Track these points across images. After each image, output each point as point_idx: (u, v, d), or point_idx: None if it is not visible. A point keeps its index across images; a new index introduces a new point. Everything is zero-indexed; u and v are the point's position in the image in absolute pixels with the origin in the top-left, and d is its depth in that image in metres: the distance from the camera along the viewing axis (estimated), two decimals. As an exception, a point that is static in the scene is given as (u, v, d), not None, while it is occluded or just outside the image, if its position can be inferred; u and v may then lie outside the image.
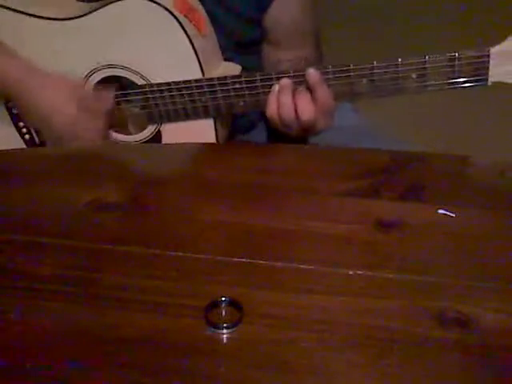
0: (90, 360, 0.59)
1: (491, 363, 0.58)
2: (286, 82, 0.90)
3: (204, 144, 0.97)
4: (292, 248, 0.73)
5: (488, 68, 0.87)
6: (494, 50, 0.87)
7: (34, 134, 1.02)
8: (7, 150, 0.96)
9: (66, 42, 0.96)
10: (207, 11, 0.99)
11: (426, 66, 0.88)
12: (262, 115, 1.13)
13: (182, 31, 0.92)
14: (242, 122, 1.12)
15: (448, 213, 0.77)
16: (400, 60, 0.88)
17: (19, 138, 1.02)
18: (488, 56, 0.86)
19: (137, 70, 0.95)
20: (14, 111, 1.01)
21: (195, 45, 0.93)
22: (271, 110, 0.92)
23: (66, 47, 0.97)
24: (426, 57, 0.88)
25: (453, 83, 0.89)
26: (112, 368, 0.58)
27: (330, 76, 0.90)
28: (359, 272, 0.68)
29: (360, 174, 0.86)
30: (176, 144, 0.97)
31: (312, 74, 0.89)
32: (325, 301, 0.65)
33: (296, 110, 0.90)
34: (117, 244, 0.73)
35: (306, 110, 0.89)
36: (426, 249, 0.73)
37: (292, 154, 0.95)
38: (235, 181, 0.86)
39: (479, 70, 0.87)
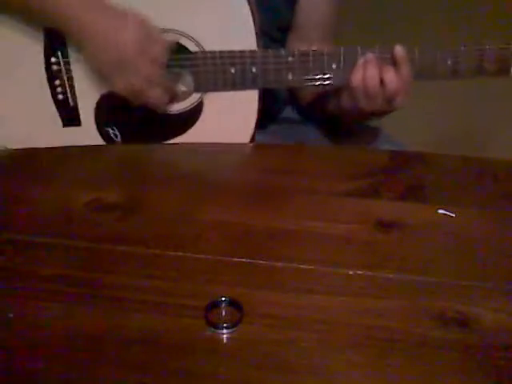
0: (91, 360, 0.59)
1: (491, 363, 0.58)
2: (371, 55, 0.95)
3: (204, 144, 0.97)
4: (292, 248, 0.73)
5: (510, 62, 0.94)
6: None
7: (69, 94, 1.00)
8: (7, 150, 0.96)
9: (125, 3, 0.96)
10: None
11: (460, 54, 0.95)
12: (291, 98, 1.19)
13: (245, 2, 0.94)
14: (275, 101, 1.15)
15: (448, 213, 0.77)
16: (378, 47, 0.95)
17: (50, 97, 1.00)
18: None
19: (193, 36, 0.96)
20: (54, 67, 0.99)
21: (255, 18, 0.95)
22: (356, 80, 0.95)
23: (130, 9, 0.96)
24: (462, 46, 0.94)
25: (479, 72, 0.95)
26: (112, 368, 0.58)
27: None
28: (359, 272, 0.68)
29: (360, 174, 0.86)
30: (176, 144, 0.97)
31: (399, 50, 0.94)
32: (325, 301, 0.65)
33: (382, 81, 0.94)
34: (117, 244, 0.73)
35: (393, 81, 0.93)
36: (426, 249, 0.73)
37: (292, 154, 0.95)
38: (235, 181, 0.86)
39: (503, 61, 0.94)
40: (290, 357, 0.59)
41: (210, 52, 0.96)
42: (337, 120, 1.10)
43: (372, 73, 0.94)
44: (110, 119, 1.00)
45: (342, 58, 0.96)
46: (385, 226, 0.75)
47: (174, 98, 0.99)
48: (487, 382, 0.57)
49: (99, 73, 0.97)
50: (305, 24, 1.12)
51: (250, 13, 0.95)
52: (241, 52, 0.95)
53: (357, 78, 0.95)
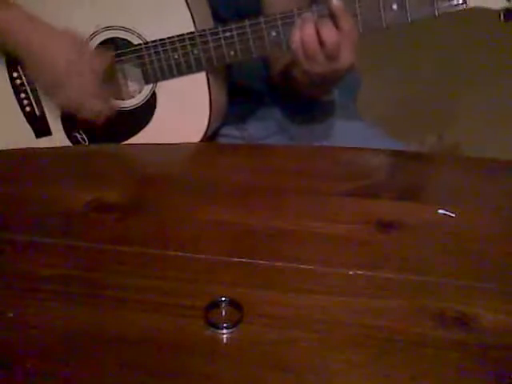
0: (91, 360, 0.59)
1: (491, 363, 0.58)
2: (307, 14, 0.91)
3: (204, 144, 0.97)
4: (292, 248, 0.73)
5: None
6: None
7: (35, 106, 1.02)
8: (7, 150, 0.96)
9: (67, 7, 0.98)
10: None
11: None
12: (268, 84, 1.16)
13: None
14: (259, 82, 1.14)
15: (448, 213, 0.77)
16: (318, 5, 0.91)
17: (20, 110, 1.02)
18: None
19: (134, 30, 0.97)
20: (17, 82, 1.01)
21: (191, 7, 0.96)
22: (295, 42, 0.91)
23: (66, 12, 0.98)
24: None
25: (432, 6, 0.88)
26: (112, 368, 0.58)
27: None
28: (359, 272, 0.68)
29: (360, 174, 0.86)
30: (176, 144, 0.97)
31: (334, 2, 0.89)
32: (325, 301, 0.65)
33: (320, 39, 0.89)
34: (117, 244, 0.73)
35: (330, 35, 0.89)
36: (426, 249, 0.73)
37: (292, 154, 0.95)
38: (235, 181, 0.86)
39: None
40: (289, 357, 0.59)
41: (152, 41, 0.97)
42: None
43: (309, 31, 0.89)
44: (76, 124, 1.01)
45: (279, 24, 0.93)
46: (385, 226, 0.75)
47: (113, 106, 1.00)
48: (487, 382, 0.57)
49: (40, 89, 1.00)
50: (273, 8, 1.08)
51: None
52: (179, 36, 0.96)
53: (295, 39, 0.91)
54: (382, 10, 0.89)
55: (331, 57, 0.90)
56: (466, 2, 0.88)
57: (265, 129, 1.14)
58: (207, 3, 1.02)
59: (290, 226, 0.76)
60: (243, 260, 0.70)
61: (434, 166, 0.92)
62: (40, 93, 1.01)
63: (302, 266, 0.69)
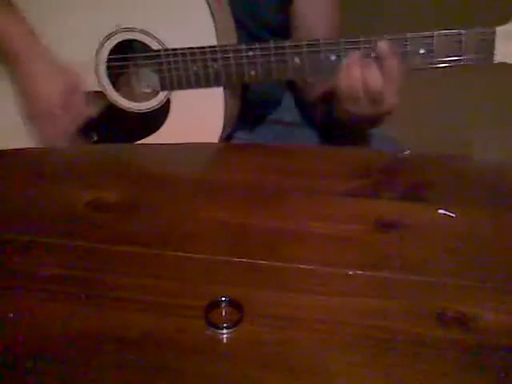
0: (90, 360, 0.59)
1: (491, 363, 0.58)
2: (355, 55, 0.89)
3: (204, 144, 0.97)
4: (292, 248, 0.73)
5: (493, 46, 0.87)
6: (499, 28, 0.87)
7: None
8: (7, 150, 0.96)
9: (87, 4, 0.97)
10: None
11: (434, 41, 0.88)
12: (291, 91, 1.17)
13: (204, 0, 0.94)
14: (265, 100, 1.14)
15: (448, 213, 0.77)
16: (408, 35, 0.89)
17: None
18: (494, 33, 0.87)
19: (155, 34, 0.96)
20: None
21: (215, 16, 0.94)
22: (341, 84, 0.90)
23: (86, 9, 0.97)
24: (434, 32, 0.88)
25: (459, 60, 0.89)
26: (112, 368, 0.58)
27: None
28: (359, 272, 0.68)
29: (360, 174, 0.86)
30: (176, 144, 0.97)
31: (381, 45, 0.88)
32: (325, 301, 0.65)
33: (365, 83, 0.88)
34: (117, 244, 0.73)
35: (375, 81, 0.88)
36: (426, 249, 0.73)
37: (292, 154, 0.95)
38: (235, 181, 0.86)
39: (485, 47, 0.88)
40: (290, 357, 0.59)
41: (172, 49, 0.96)
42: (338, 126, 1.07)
43: (355, 75, 0.88)
44: (89, 124, 1.01)
45: (304, 51, 0.92)
46: (385, 225, 0.75)
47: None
48: (487, 382, 0.57)
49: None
50: (301, 26, 1.10)
51: (207, 7, 0.94)
52: (200, 48, 0.95)
53: (343, 80, 0.90)
54: (409, 56, 0.89)
55: (375, 101, 0.89)
56: (493, 60, 0.88)
57: (272, 132, 1.14)
58: (232, 16, 1.01)
59: (290, 226, 0.76)
60: (243, 260, 0.70)
61: (434, 166, 0.91)
62: None
63: (301, 266, 0.69)
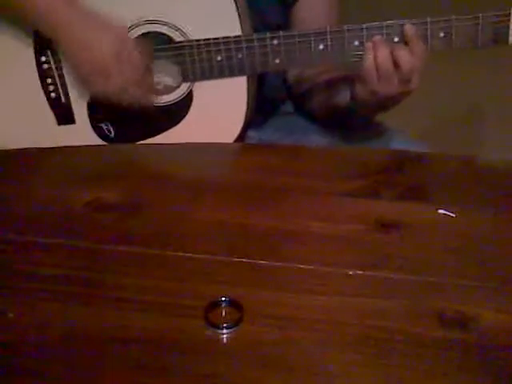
0: (90, 360, 0.59)
1: (491, 363, 0.58)
2: (379, 37, 0.93)
3: (204, 144, 0.97)
4: (292, 248, 0.73)
5: (508, 27, 0.91)
6: None
7: (61, 92, 1.00)
8: (7, 150, 0.96)
9: None
10: None
11: (452, 24, 0.92)
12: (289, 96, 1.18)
13: None
14: (275, 94, 1.15)
15: (448, 213, 0.77)
16: (429, 19, 0.92)
17: (43, 95, 1.01)
18: (509, 15, 0.90)
19: (177, 25, 0.96)
20: (45, 66, 0.99)
21: (238, 4, 0.95)
22: (368, 64, 0.93)
23: (108, 1, 0.96)
24: (453, 16, 0.92)
25: (475, 41, 0.93)
26: (112, 368, 0.58)
27: None
28: (359, 272, 0.68)
29: (360, 173, 0.86)
30: (176, 144, 0.97)
31: (409, 27, 0.92)
32: (325, 301, 0.65)
33: (395, 63, 0.92)
34: (117, 244, 0.73)
35: (406, 59, 0.91)
36: (426, 249, 0.73)
37: (292, 154, 0.95)
38: (235, 181, 0.86)
39: (500, 29, 0.91)
40: (290, 357, 0.59)
41: (195, 40, 0.95)
42: (345, 117, 1.08)
43: (384, 54, 0.92)
44: (103, 115, 1.00)
45: (328, 38, 0.94)
46: (385, 226, 0.75)
47: (158, 92, 0.99)
48: (487, 382, 0.57)
49: (78, 76, 0.98)
50: (301, 25, 1.11)
51: None
52: (225, 38, 0.94)
53: (368, 61, 0.93)
54: (429, 38, 0.93)
55: (405, 80, 0.92)
56: (508, 41, 0.92)
57: (277, 130, 1.14)
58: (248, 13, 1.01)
59: (290, 226, 0.76)
60: (243, 260, 0.70)
61: (434, 166, 0.92)
62: (71, 80, 0.99)
63: (301, 266, 0.69)
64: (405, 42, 0.92)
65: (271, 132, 1.14)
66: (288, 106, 1.21)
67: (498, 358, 0.58)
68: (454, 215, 0.77)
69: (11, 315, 0.63)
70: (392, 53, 0.92)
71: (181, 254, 0.71)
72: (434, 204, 0.79)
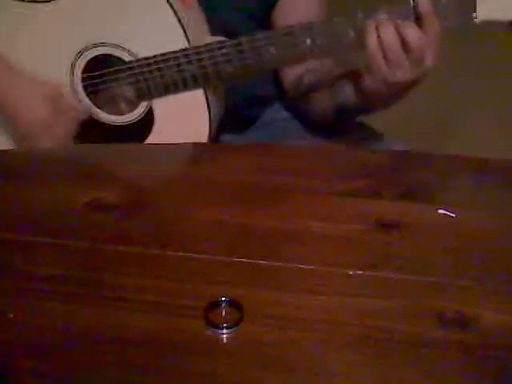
0: (90, 360, 0.59)
1: (491, 363, 0.58)
2: (382, 16, 0.83)
3: (204, 144, 0.97)
4: (292, 248, 0.73)
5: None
6: None
7: None
8: (8, 150, 0.96)
9: (54, 24, 0.97)
10: (209, 7, 1.00)
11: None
12: (279, 91, 1.15)
13: (166, 3, 0.93)
14: (256, 102, 1.13)
15: (448, 213, 0.77)
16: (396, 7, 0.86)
17: None
18: None
19: (125, 46, 0.95)
20: None
21: (180, 16, 0.94)
22: (372, 47, 0.83)
23: (53, 29, 0.97)
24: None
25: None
26: (112, 368, 0.58)
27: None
28: (359, 272, 0.68)
29: (360, 173, 0.86)
30: (175, 144, 0.97)
31: (424, 3, 0.82)
32: (325, 301, 0.65)
33: (404, 41, 0.82)
34: (117, 244, 0.73)
35: (415, 36, 0.81)
36: (426, 249, 0.73)
37: (292, 154, 0.95)
38: (235, 181, 0.86)
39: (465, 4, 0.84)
40: (290, 357, 0.59)
41: (144, 58, 0.95)
42: (342, 117, 1.03)
43: (389, 31, 0.81)
44: (73, 141, 1.00)
45: (280, 40, 0.90)
46: (385, 226, 0.75)
47: (117, 112, 0.99)
48: (487, 382, 0.57)
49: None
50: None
51: (169, 8, 0.93)
52: (173, 53, 0.94)
53: (371, 43, 0.83)
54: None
55: (417, 61, 0.83)
56: (475, 17, 0.85)
57: (264, 135, 1.14)
58: (205, 20, 1.00)
59: (290, 226, 0.76)
60: (243, 260, 0.70)
61: (434, 166, 0.91)
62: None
63: (301, 266, 0.69)
64: (416, 18, 0.83)
65: (253, 138, 1.13)
66: (274, 112, 1.18)
67: (498, 358, 0.58)
68: (453, 215, 0.77)
69: (11, 315, 0.63)
70: (398, 30, 0.81)
71: (181, 253, 0.71)
72: (434, 204, 0.79)
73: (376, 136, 1.08)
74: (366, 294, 0.65)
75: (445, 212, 0.77)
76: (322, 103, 1.06)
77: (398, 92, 0.90)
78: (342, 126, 1.07)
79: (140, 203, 0.81)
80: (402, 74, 0.84)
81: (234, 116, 1.07)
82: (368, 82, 0.89)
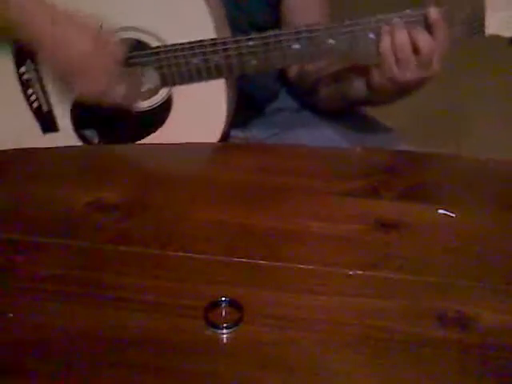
0: (90, 360, 0.59)
1: (491, 363, 0.58)
2: (398, 20, 0.90)
3: (204, 144, 0.97)
4: (292, 248, 0.73)
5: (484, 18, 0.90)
6: None
7: (43, 102, 1.00)
8: (8, 150, 0.96)
9: (83, 6, 0.96)
10: None
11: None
12: (284, 83, 1.17)
13: None
14: (263, 92, 1.14)
15: (448, 213, 0.77)
16: (409, 11, 0.91)
17: (27, 107, 1.01)
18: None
19: (152, 31, 0.96)
20: (25, 77, 0.99)
21: (212, 8, 0.95)
22: (385, 49, 0.90)
23: (84, 9, 0.96)
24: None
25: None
26: (112, 368, 0.58)
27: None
28: (359, 272, 0.68)
29: (360, 173, 0.86)
30: (176, 144, 0.97)
31: (433, 12, 0.89)
32: (325, 301, 0.65)
33: (414, 46, 0.89)
34: (117, 244, 0.73)
35: (426, 43, 0.88)
36: (426, 249, 0.73)
37: (292, 154, 0.95)
38: (235, 181, 0.86)
39: (475, 20, 0.90)
40: (289, 357, 0.59)
41: (171, 45, 0.95)
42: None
43: (402, 36, 0.89)
44: (87, 121, 1.00)
45: (302, 37, 0.92)
46: (385, 226, 0.75)
47: (139, 92, 0.99)
48: (487, 382, 0.57)
49: (57, 79, 0.98)
50: (292, 17, 1.11)
51: (203, 1, 0.94)
52: (200, 42, 0.94)
53: (385, 45, 0.90)
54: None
55: (424, 65, 0.90)
56: (483, 31, 0.90)
57: (266, 130, 1.14)
58: (225, 14, 1.01)
59: (290, 226, 0.76)
60: (243, 260, 0.70)
61: (434, 166, 0.92)
62: (52, 86, 0.99)
63: (301, 266, 0.69)
64: (426, 26, 0.89)
65: (256, 131, 1.14)
66: (279, 103, 1.20)
67: (498, 358, 0.58)
68: (453, 215, 0.77)
69: (11, 315, 0.63)
70: (410, 35, 0.89)
71: (181, 253, 0.71)
72: (434, 204, 0.79)
73: (385, 129, 1.10)
74: (366, 294, 0.65)
75: (445, 212, 0.77)
76: (327, 92, 1.10)
77: (403, 91, 0.96)
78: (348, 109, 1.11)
79: (140, 203, 0.81)
80: (409, 75, 0.91)
81: (239, 109, 1.07)
82: (376, 78, 0.95)
